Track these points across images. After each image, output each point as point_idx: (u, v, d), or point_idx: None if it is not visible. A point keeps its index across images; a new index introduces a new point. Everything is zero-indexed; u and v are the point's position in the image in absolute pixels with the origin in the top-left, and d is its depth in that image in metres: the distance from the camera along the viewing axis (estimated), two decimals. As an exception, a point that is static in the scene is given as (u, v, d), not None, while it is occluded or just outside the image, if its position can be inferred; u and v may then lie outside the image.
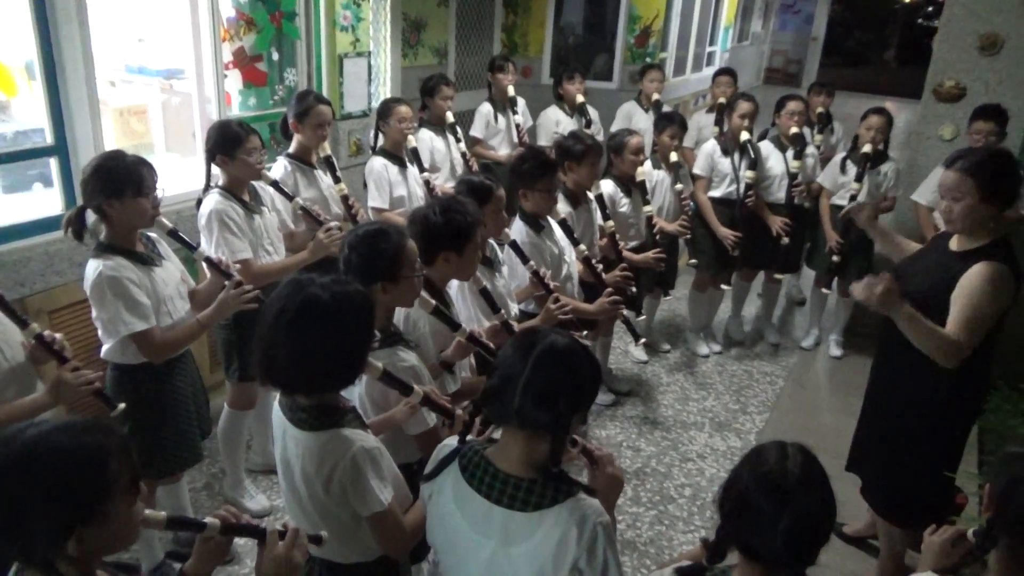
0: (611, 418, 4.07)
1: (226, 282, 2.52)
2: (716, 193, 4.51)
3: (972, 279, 2.30)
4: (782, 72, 16.55)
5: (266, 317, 1.60)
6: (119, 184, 2.27)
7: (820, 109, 5.15)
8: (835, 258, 4.40)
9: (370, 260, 1.96)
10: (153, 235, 2.56)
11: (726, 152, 4.47)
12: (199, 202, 2.92)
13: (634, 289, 3.56)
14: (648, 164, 4.10)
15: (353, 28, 4.43)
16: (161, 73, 4.20)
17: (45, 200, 3.26)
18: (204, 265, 2.61)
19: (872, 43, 21.26)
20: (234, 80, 4.04)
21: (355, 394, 2.00)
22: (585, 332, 2.86)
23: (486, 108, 4.99)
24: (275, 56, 4.20)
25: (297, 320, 1.56)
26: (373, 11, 4.94)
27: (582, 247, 3.26)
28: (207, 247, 2.81)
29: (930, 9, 19.94)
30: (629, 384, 4.40)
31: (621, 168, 3.87)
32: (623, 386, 4.34)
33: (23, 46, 3.07)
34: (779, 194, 4.54)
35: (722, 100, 5.09)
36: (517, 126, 4.97)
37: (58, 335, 2.09)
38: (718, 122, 4.89)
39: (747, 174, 4.41)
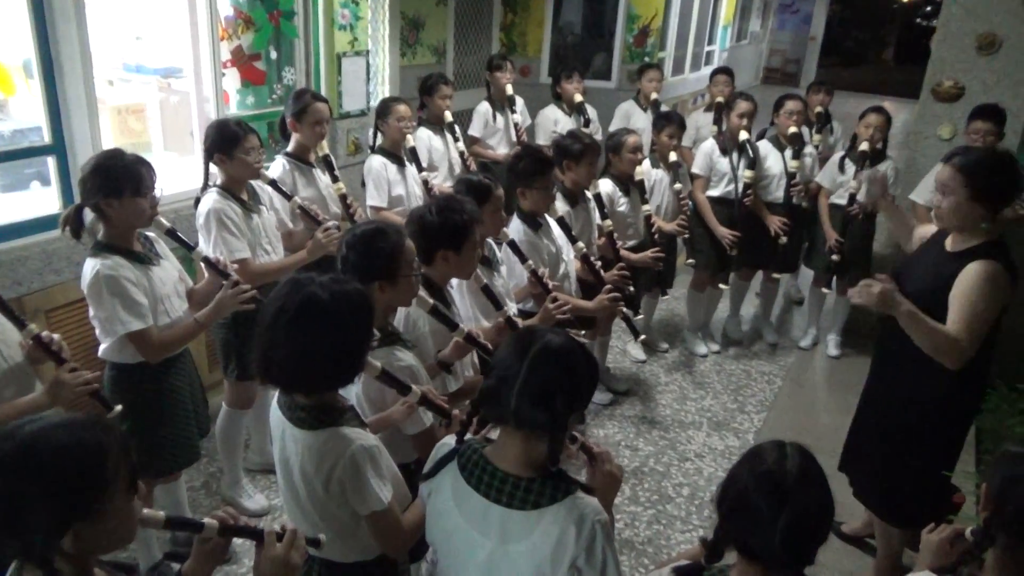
0: (609, 417, 4.07)
1: (224, 282, 2.52)
2: (714, 192, 4.52)
3: (968, 278, 2.30)
4: (780, 72, 16.56)
5: (265, 316, 1.60)
6: (117, 183, 2.27)
7: (819, 108, 5.15)
8: (835, 257, 4.41)
9: (368, 259, 1.96)
10: (151, 234, 2.56)
11: (724, 151, 4.47)
12: (197, 201, 2.92)
13: (632, 288, 3.56)
14: (647, 163, 4.11)
15: (351, 27, 4.43)
16: (159, 72, 4.20)
17: (43, 199, 3.26)
18: (202, 265, 2.61)
19: (870, 43, 21.29)
20: (232, 79, 4.03)
21: (352, 393, 2.00)
22: (583, 332, 2.86)
23: (484, 107, 4.99)
24: (273, 55, 4.19)
25: (296, 319, 1.56)
26: (371, 10, 4.94)
27: (580, 244, 3.26)
28: (205, 246, 2.81)
29: (928, 9, 19.97)
30: (627, 383, 4.40)
31: (619, 167, 3.87)
32: (621, 385, 4.35)
33: (21, 44, 3.07)
34: (777, 193, 4.54)
35: (720, 99, 5.10)
36: (515, 125, 4.97)
37: (56, 335, 2.08)
38: (716, 121, 4.90)
39: (745, 173, 4.41)
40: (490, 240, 2.80)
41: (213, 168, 2.92)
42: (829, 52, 17.92)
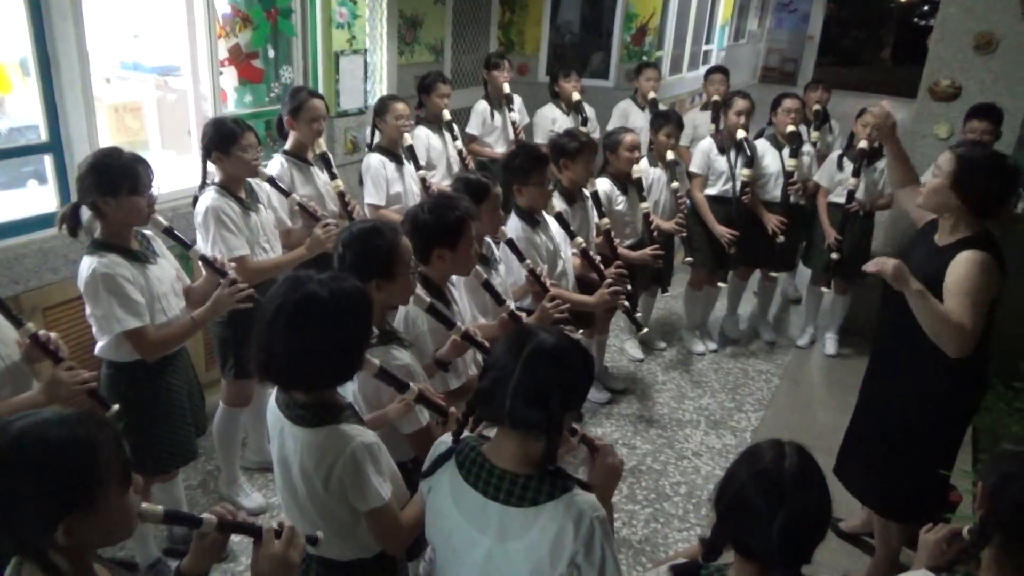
0: (607, 416, 4.08)
1: (221, 280, 2.52)
2: (712, 191, 4.52)
3: (959, 268, 2.34)
4: (778, 71, 16.58)
5: (264, 314, 1.60)
6: (115, 181, 2.27)
7: (817, 106, 5.15)
8: (834, 256, 4.41)
9: (364, 258, 1.96)
10: (148, 233, 2.56)
11: (722, 150, 4.48)
12: (195, 199, 2.92)
13: (630, 287, 3.56)
14: (644, 162, 4.11)
15: (349, 25, 4.42)
16: (156, 70, 4.18)
17: (39, 197, 3.25)
18: (199, 263, 2.61)
19: (868, 42, 21.32)
20: (230, 77, 4.02)
21: (349, 391, 2.00)
22: (580, 331, 2.86)
23: (482, 106, 4.99)
24: (271, 53, 4.19)
25: (296, 317, 1.56)
26: (369, 8, 4.93)
27: (579, 239, 3.26)
28: (203, 244, 2.81)
29: (926, 8, 20.00)
30: (625, 382, 4.40)
31: (617, 166, 3.87)
32: (619, 384, 4.35)
33: (18, 42, 3.06)
34: (775, 192, 4.54)
35: (716, 98, 5.10)
36: (513, 123, 4.97)
37: (53, 334, 2.08)
38: (714, 120, 4.90)
39: (743, 172, 4.41)
40: (488, 239, 2.80)
41: (211, 166, 2.91)
42: (827, 51, 17.94)
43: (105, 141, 3.33)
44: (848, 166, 4.38)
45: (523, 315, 2.60)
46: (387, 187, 3.73)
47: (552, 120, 5.13)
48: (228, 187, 2.88)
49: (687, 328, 4.93)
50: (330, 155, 3.44)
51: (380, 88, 5.30)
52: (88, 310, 2.36)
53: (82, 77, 3.09)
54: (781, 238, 4.47)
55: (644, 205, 3.97)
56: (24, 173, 3.45)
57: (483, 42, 6.60)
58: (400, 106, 3.75)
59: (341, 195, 3.39)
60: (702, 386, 4.46)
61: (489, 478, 1.48)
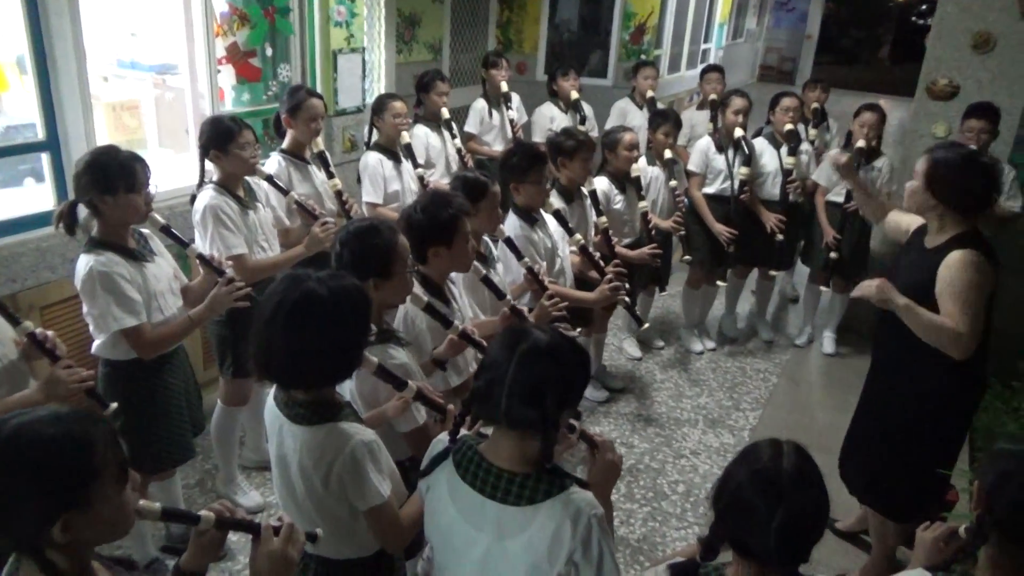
0: (605, 415, 4.08)
1: (218, 279, 2.52)
2: (710, 190, 4.52)
3: (949, 268, 2.35)
4: (776, 70, 16.57)
5: (263, 313, 1.60)
6: (112, 180, 2.26)
7: (815, 104, 5.16)
8: (833, 254, 4.41)
9: (362, 256, 1.96)
10: (145, 231, 2.55)
11: (720, 148, 4.48)
12: (193, 198, 2.91)
13: (628, 286, 3.56)
14: (642, 161, 4.10)
15: (347, 24, 4.42)
16: (154, 68, 4.18)
17: (36, 195, 3.25)
18: (197, 261, 2.61)
19: (866, 41, 21.30)
20: (227, 75, 4.01)
21: (347, 389, 2.00)
22: (578, 330, 2.86)
23: (480, 104, 4.98)
24: (269, 52, 4.18)
25: (294, 315, 1.56)
26: (367, 7, 4.93)
27: (578, 236, 3.25)
28: (201, 243, 2.81)
29: (923, 7, 19.99)
30: (623, 381, 4.40)
31: (615, 164, 3.87)
32: (617, 383, 4.35)
33: (14, 40, 3.06)
34: (773, 191, 4.54)
35: (713, 97, 5.10)
36: (511, 122, 4.97)
37: (50, 333, 2.07)
38: (713, 119, 4.90)
39: (741, 170, 4.41)
40: (486, 237, 2.80)
41: (209, 165, 2.91)
42: (825, 50, 17.92)
43: (102, 139, 3.32)
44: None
45: (525, 309, 2.59)
46: (385, 185, 3.73)
47: (550, 118, 5.12)
48: (226, 185, 2.88)
49: (685, 327, 4.93)
50: (328, 154, 3.44)
51: (378, 87, 5.29)
52: (85, 308, 2.36)
53: (79, 75, 3.08)
54: (780, 237, 4.47)
55: (642, 204, 3.96)
56: (21, 171, 3.45)
57: (481, 40, 6.60)
58: (398, 105, 3.75)
59: (339, 194, 3.38)
60: (700, 385, 4.46)
61: (487, 477, 1.48)
